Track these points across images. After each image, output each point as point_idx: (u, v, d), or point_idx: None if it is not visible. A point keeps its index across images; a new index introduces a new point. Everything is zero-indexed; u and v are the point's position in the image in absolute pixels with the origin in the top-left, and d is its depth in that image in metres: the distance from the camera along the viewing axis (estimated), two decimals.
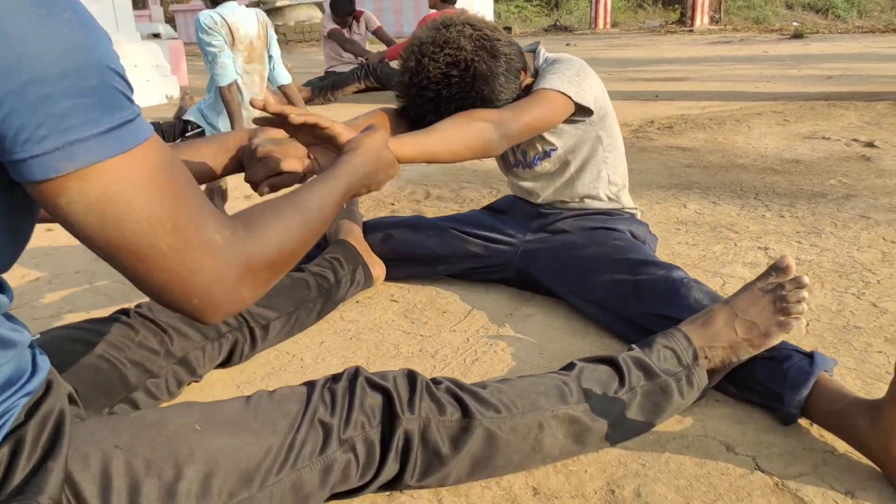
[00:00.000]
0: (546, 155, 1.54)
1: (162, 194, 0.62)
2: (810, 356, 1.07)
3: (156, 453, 0.76)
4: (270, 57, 3.62)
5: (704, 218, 2.14)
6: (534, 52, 1.51)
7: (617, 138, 1.58)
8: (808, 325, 1.40)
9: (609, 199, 1.59)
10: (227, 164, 1.11)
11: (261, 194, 1.06)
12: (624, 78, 6.15)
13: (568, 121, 1.46)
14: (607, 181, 1.58)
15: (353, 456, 0.88)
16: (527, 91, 1.41)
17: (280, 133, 1.11)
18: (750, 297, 1.13)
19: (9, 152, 0.56)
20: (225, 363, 1.29)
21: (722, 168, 2.79)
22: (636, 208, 1.65)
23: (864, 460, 0.98)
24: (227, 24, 3.31)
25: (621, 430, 1.04)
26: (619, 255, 1.41)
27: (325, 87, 5.57)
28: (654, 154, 3.12)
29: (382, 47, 5.88)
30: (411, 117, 1.35)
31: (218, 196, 1.97)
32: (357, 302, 1.62)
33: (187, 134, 3.52)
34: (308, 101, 5.32)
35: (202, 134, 3.54)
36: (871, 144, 3.04)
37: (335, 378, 0.94)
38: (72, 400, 0.84)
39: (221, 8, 3.32)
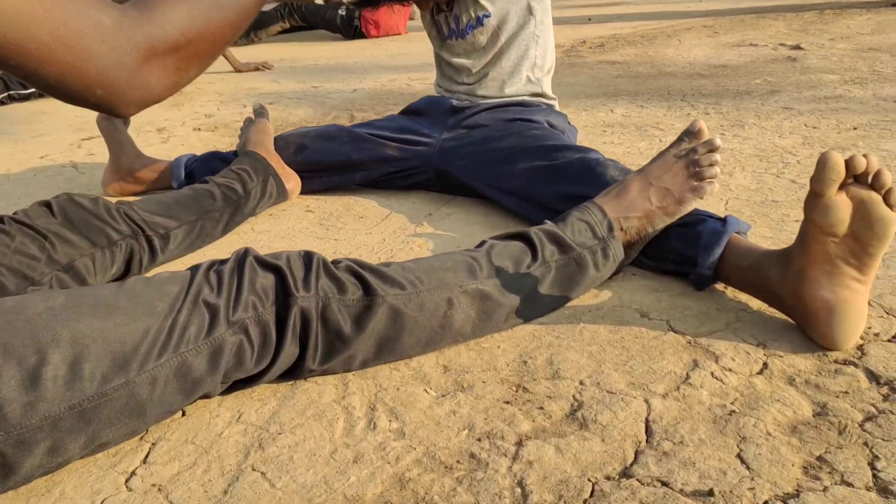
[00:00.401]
0: (479, 22, 1.50)
1: None
2: (723, 220, 1.06)
3: (14, 338, 0.69)
4: None
5: (631, 120, 2.11)
6: None
7: (548, 20, 1.56)
8: (726, 203, 1.38)
9: (530, 81, 1.55)
10: None
11: None
12: (557, 6, 6.05)
13: None
14: (533, 62, 1.54)
15: (246, 339, 0.82)
16: None
17: None
18: (663, 164, 1.10)
19: None
20: (124, 275, 1.21)
21: (650, 76, 2.76)
22: (555, 98, 1.60)
23: (778, 315, 0.97)
24: None
25: (535, 306, 1.01)
26: (536, 144, 1.36)
27: (247, 28, 5.34)
28: (584, 69, 3.08)
29: None
30: None
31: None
32: (270, 215, 1.54)
33: None
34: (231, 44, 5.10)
35: None
36: (797, 47, 3.04)
37: (222, 261, 0.87)
38: None
39: None
